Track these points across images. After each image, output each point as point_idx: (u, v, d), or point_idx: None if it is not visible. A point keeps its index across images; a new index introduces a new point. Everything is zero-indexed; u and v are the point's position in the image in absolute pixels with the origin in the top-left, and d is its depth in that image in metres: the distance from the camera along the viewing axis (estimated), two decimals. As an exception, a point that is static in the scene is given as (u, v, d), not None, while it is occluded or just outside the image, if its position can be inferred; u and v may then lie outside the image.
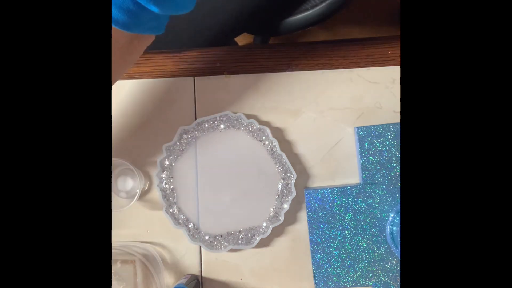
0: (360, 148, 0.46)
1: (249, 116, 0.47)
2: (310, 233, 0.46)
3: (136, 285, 0.46)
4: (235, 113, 0.47)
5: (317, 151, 0.47)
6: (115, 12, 0.31)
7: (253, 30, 0.70)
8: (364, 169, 0.46)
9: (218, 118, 0.47)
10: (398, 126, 0.46)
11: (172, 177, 0.48)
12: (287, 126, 0.48)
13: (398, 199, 0.45)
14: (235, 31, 0.62)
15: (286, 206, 0.46)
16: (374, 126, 0.46)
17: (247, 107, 0.48)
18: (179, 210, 0.47)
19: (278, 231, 0.47)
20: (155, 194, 0.48)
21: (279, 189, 0.47)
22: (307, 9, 0.64)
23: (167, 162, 0.47)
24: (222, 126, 0.47)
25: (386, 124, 0.46)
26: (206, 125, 0.47)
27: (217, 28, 0.57)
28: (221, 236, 0.47)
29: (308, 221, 0.46)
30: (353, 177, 0.47)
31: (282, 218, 0.46)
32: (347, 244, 0.46)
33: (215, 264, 0.47)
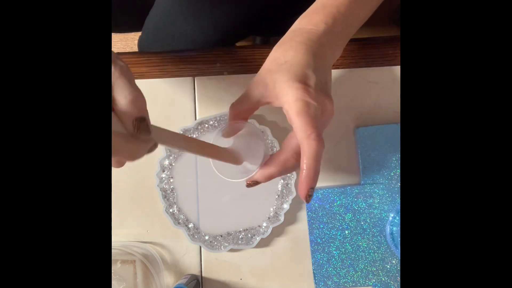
0: (360, 148, 0.46)
1: (249, 116, 0.47)
2: (310, 233, 0.46)
3: (136, 285, 0.46)
4: (235, 113, 0.47)
5: (317, 151, 0.47)
6: None
7: (256, 31, 0.70)
8: (364, 169, 0.46)
9: (218, 118, 0.47)
10: (398, 126, 0.46)
11: (172, 177, 0.48)
12: (288, 126, 0.47)
13: (398, 199, 0.45)
14: (240, 35, 0.61)
15: (286, 206, 0.46)
16: (374, 126, 0.46)
17: (247, 107, 0.48)
18: (179, 210, 0.47)
19: (278, 231, 0.47)
20: (155, 194, 0.48)
21: (279, 189, 0.47)
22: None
23: (167, 162, 0.47)
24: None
25: (386, 124, 0.46)
26: (206, 125, 0.47)
27: (222, 30, 0.56)
28: (221, 236, 0.47)
29: (308, 221, 0.46)
30: (353, 177, 0.47)
31: (282, 218, 0.46)
32: (347, 244, 0.46)
33: (215, 264, 0.47)
